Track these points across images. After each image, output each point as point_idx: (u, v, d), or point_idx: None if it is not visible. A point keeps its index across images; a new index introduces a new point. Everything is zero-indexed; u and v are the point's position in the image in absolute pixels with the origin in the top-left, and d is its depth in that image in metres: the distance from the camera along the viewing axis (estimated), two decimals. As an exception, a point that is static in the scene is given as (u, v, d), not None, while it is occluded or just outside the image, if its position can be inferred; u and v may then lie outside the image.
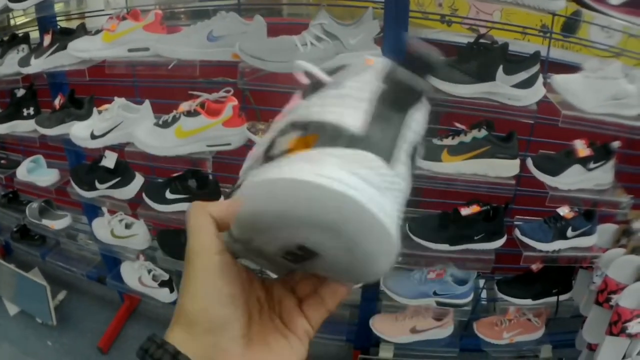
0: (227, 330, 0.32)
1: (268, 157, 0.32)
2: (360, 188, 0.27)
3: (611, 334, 1.27)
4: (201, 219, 0.33)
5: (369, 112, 0.30)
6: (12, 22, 2.03)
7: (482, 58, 1.21)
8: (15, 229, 2.13)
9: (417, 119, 0.32)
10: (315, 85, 0.33)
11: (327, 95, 0.32)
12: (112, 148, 1.57)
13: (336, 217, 0.27)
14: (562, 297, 1.56)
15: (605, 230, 1.48)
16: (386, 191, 0.28)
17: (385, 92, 0.30)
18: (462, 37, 1.52)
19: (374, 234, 0.28)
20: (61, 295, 2.15)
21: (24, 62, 1.57)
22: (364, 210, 0.27)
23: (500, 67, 1.19)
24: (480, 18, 1.96)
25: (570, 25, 1.72)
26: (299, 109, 0.33)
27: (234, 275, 0.33)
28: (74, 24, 1.64)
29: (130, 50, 1.42)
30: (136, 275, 1.82)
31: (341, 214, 0.27)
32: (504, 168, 1.32)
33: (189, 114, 1.37)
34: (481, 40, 1.24)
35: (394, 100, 0.30)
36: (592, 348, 1.41)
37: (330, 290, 0.38)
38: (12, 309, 2.12)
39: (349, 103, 0.30)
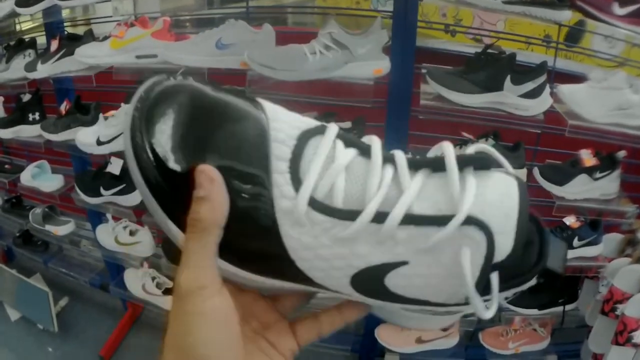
0: None
1: None
2: None
3: (617, 343, 1.27)
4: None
5: None
6: (17, 27, 2.04)
7: (490, 68, 1.21)
8: (17, 235, 2.12)
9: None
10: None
11: None
12: (117, 154, 1.56)
13: None
14: (568, 307, 1.56)
15: (611, 240, 1.47)
16: None
17: None
18: (468, 47, 1.53)
19: None
20: (63, 302, 2.14)
21: (31, 67, 1.56)
22: None
23: (508, 77, 1.20)
24: (484, 28, 1.97)
25: (574, 35, 1.73)
26: None
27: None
28: (80, 30, 1.64)
29: (138, 57, 1.42)
30: (140, 282, 1.80)
31: None
32: (511, 178, 1.32)
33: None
34: (489, 51, 1.25)
35: None
36: (598, 358, 1.41)
37: (331, 316, 0.36)
38: (14, 315, 2.10)
39: None
